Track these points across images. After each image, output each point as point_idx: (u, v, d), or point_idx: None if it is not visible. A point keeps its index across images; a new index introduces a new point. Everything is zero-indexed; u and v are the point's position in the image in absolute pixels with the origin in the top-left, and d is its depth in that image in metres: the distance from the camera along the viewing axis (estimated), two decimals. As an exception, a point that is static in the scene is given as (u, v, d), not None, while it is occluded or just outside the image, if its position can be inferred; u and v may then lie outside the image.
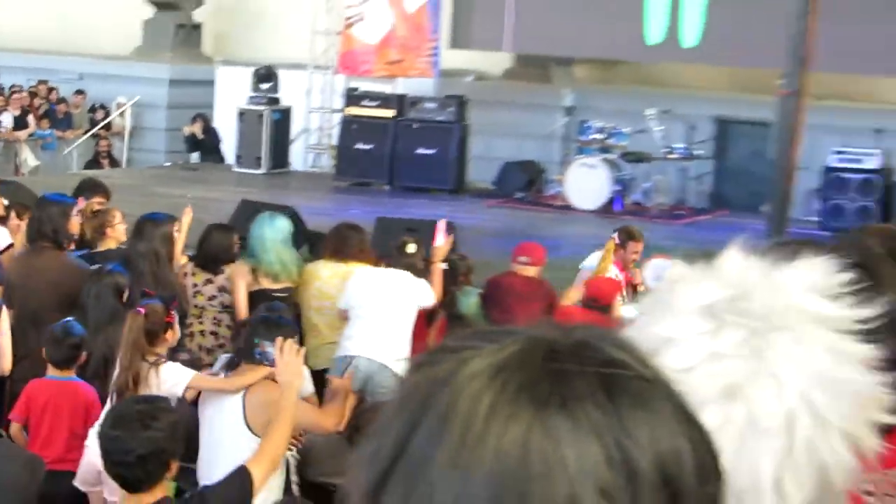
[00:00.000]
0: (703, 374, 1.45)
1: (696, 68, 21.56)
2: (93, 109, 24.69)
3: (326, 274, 9.82)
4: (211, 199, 12.77)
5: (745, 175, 19.62)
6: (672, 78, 21.97)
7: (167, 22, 25.25)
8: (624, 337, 1.16)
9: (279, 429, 5.42)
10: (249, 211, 11.73)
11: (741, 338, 1.47)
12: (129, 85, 24.38)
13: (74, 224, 8.91)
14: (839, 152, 17.56)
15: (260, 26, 24.79)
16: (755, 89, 18.97)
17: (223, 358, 7.97)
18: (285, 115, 21.44)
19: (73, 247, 9.07)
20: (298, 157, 22.22)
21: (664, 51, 20.56)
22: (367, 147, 20.19)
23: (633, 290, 10.47)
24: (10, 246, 9.34)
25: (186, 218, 10.37)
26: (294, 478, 6.99)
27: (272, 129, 21.01)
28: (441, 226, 10.17)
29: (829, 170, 17.51)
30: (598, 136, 18.91)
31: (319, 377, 8.24)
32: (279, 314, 7.71)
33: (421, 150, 19.88)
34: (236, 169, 21.02)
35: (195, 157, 23.00)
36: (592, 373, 1.06)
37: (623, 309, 9.38)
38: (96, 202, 10.51)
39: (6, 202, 10.07)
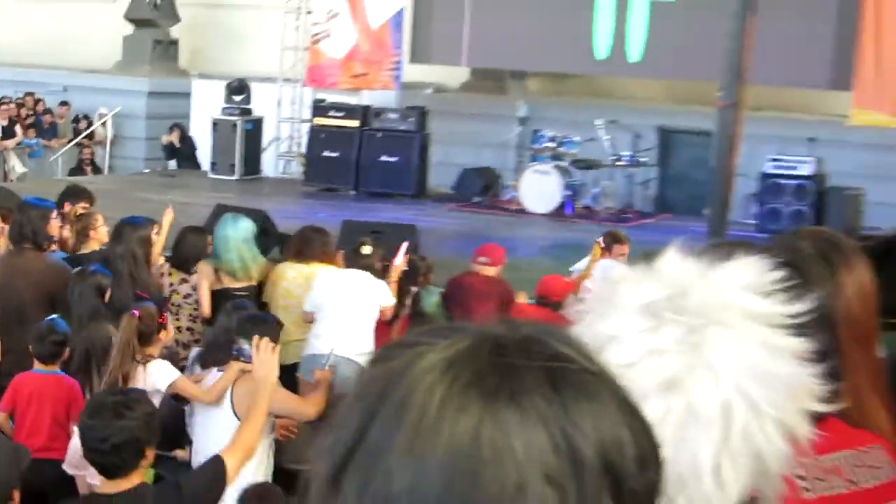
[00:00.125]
0: (645, 369, 1.45)
1: (641, 81, 21.63)
2: (76, 120, 24.61)
3: (292, 274, 9.80)
4: (187, 203, 12.74)
5: (687, 181, 19.68)
6: (619, 90, 22.02)
7: (146, 38, 25.18)
8: (569, 333, 1.16)
9: (253, 421, 5.40)
10: (223, 214, 11.69)
11: (679, 334, 1.47)
12: (111, 97, 24.32)
13: (53, 226, 8.86)
14: (775, 160, 17.62)
15: (233, 42, 24.77)
16: (696, 101, 19.05)
17: (195, 352, 7.97)
18: (257, 124, 21.39)
19: (54, 248, 9.01)
20: (270, 164, 22.15)
21: (611, 65, 20.60)
22: (333, 155, 20.17)
23: None
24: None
25: (167, 219, 10.35)
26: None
27: (245, 137, 20.97)
28: (403, 247, 10.16)
29: (766, 176, 17.57)
30: (550, 144, 18.93)
31: (287, 373, 8.21)
32: (264, 314, 7.79)
33: (384, 158, 19.86)
34: (211, 175, 20.95)
35: (173, 164, 22.97)
36: (539, 366, 1.06)
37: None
38: (81, 207, 10.48)
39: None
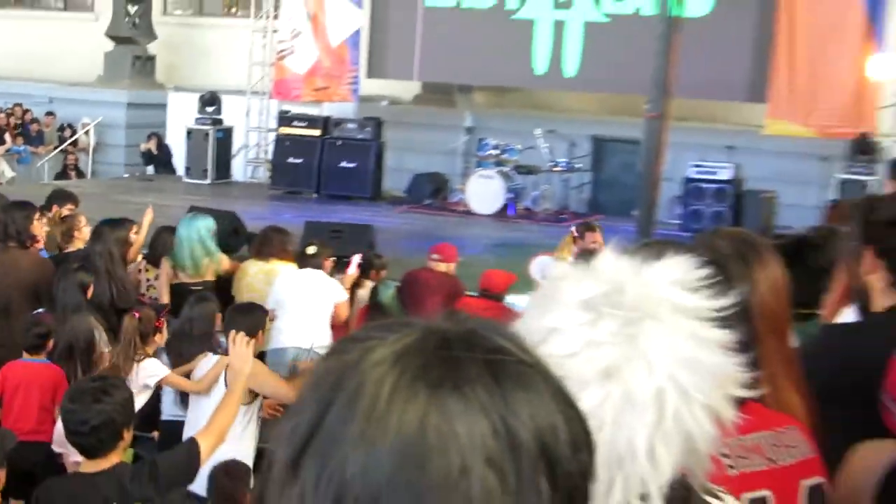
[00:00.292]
0: (584, 359, 1.45)
1: (576, 95, 21.67)
2: (62, 128, 24.47)
3: (254, 270, 9.77)
4: (163, 205, 12.65)
5: (618, 185, 19.74)
6: (556, 103, 22.05)
7: (125, 54, 25.03)
8: (508, 327, 1.16)
9: (227, 407, 5.37)
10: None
11: (616, 327, 1.47)
12: (93, 107, 24.20)
13: (37, 226, 8.80)
14: (697, 165, 17.68)
15: (205, 58, 24.67)
16: (625, 112, 19.11)
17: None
18: (227, 133, 21.30)
19: (40, 245, 8.94)
20: (239, 170, 22.07)
21: (549, 80, 20.64)
22: (297, 161, 20.12)
23: None
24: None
25: (147, 219, 10.30)
26: None
27: (216, 145, 20.89)
28: (355, 259, 10.14)
29: (689, 180, 17.62)
30: (493, 151, 18.93)
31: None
32: (251, 303, 7.84)
33: (344, 164, 19.82)
34: (185, 180, 20.85)
35: (150, 169, 22.86)
36: (480, 359, 1.06)
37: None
38: (67, 209, 10.44)
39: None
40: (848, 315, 3.29)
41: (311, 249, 9.48)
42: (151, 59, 25.48)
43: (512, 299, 9.66)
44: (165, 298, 9.45)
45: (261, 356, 7.76)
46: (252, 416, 6.98)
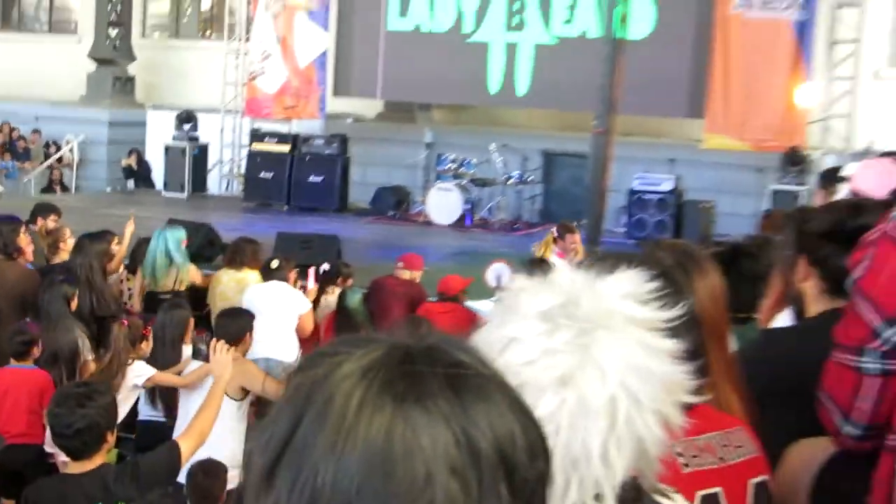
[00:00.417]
0: (541, 367, 1.44)
1: (528, 112, 21.72)
2: (47, 145, 24.31)
3: (226, 279, 9.70)
4: (143, 217, 12.54)
5: (568, 196, 19.75)
6: (509, 119, 22.09)
7: (107, 75, 24.87)
8: (467, 341, 1.16)
9: (208, 411, 5.33)
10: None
11: (571, 336, 1.46)
12: (77, 125, 24.02)
13: (23, 239, 8.71)
14: (640, 178, 17.74)
15: (182, 79, 24.54)
16: (574, 129, 19.14)
17: None
18: (203, 149, 21.27)
19: (28, 258, 8.84)
20: (214, 184, 22.02)
21: (502, 98, 20.68)
22: (268, 175, 20.06)
23: None
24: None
25: (129, 229, 10.23)
26: None
27: (192, 161, 20.86)
28: (311, 272, 10.09)
29: (633, 192, 17.68)
30: (451, 165, 18.94)
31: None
32: (238, 309, 7.94)
33: (312, 178, 19.78)
34: (164, 193, 20.79)
35: (131, 184, 22.73)
36: (442, 373, 1.06)
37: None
38: (51, 220, 10.38)
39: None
40: (783, 319, 3.29)
41: (274, 263, 9.44)
42: (131, 79, 25.34)
43: (469, 302, 9.69)
44: (137, 307, 9.40)
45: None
46: (244, 411, 7.10)
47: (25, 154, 24.07)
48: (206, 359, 6.46)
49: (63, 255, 9.36)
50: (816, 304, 2.98)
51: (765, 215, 9.71)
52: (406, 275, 10.37)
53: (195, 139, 20.96)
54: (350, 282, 10.19)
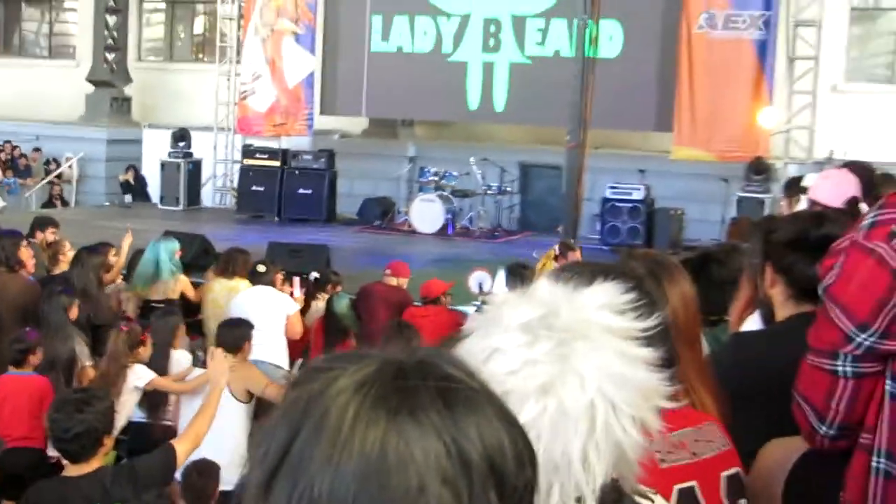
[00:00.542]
0: (523, 376, 1.43)
1: (505, 127, 21.73)
2: (48, 162, 24.24)
3: (218, 288, 9.66)
4: (140, 230, 12.49)
5: (544, 205, 19.78)
6: (488, 134, 22.10)
7: (105, 96, 24.85)
8: (456, 355, 1.15)
9: (204, 416, 5.30)
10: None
11: (551, 347, 1.45)
12: (76, 143, 23.98)
13: (24, 252, 8.67)
14: (613, 187, 17.74)
15: (176, 99, 24.53)
16: (549, 142, 19.16)
17: None
18: (197, 165, 21.25)
19: (30, 270, 8.79)
20: (208, 197, 22.00)
21: (481, 114, 20.71)
22: (260, 188, 20.06)
23: None
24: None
25: (126, 241, 10.19)
26: None
27: (187, 176, 20.85)
28: (296, 281, 10.03)
29: (606, 200, 17.68)
30: (434, 178, 18.95)
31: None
32: (238, 319, 7.90)
33: (301, 191, 19.78)
34: (160, 207, 20.75)
35: (128, 198, 22.64)
36: (433, 386, 1.05)
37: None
38: (50, 232, 10.35)
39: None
40: (752, 323, 3.30)
41: (261, 268, 9.41)
42: (128, 100, 25.30)
43: (454, 305, 9.72)
44: (131, 312, 9.37)
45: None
46: (250, 413, 7.15)
47: (27, 171, 24.01)
48: (205, 365, 6.45)
49: (63, 266, 9.33)
50: (783, 310, 3.01)
51: (732, 222, 9.74)
52: (393, 281, 10.39)
53: (189, 155, 20.97)
54: (339, 288, 10.17)
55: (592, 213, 17.63)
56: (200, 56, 26.25)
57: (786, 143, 18.71)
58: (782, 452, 2.53)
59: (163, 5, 26.84)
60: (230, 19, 22.29)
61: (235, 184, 21.20)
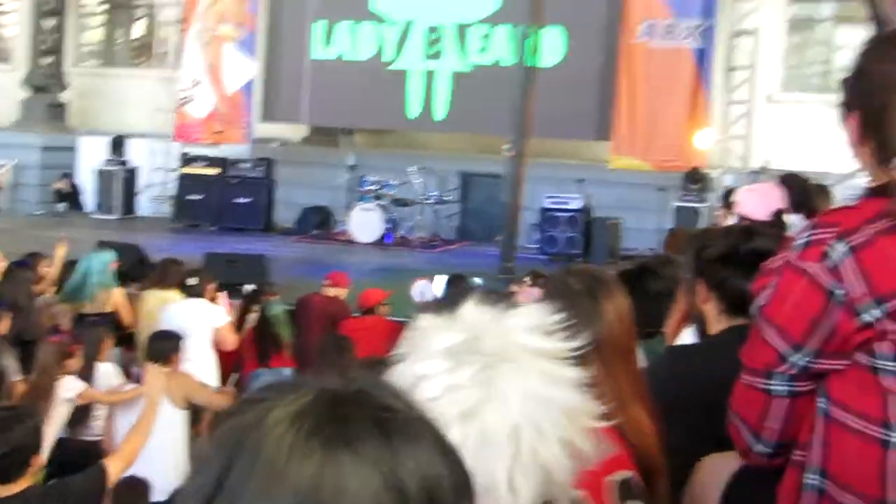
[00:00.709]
0: (446, 402, 1.43)
1: (445, 136, 21.73)
2: (-20, 170, 23.86)
3: (152, 299, 9.54)
4: (74, 240, 12.30)
5: (483, 214, 19.79)
6: (427, 143, 22.10)
7: (40, 102, 24.48)
8: (394, 384, 1.14)
9: (139, 433, 5.21)
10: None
11: (474, 372, 1.45)
12: (10, 150, 23.53)
13: None
14: (551, 197, 17.82)
15: (113, 105, 24.23)
16: (489, 151, 19.19)
17: None
18: (133, 173, 21.12)
19: None
20: (144, 206, 21.81)
21: (421, 123, 20.73)
22: (197, 197, 19.94)
23: None
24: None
25: (60, 251, 10.04)
26: None
27: (123, 184, 20.74)
28: (224, 296, 9.91)
29: (545, 210, 17.75)
30: (373, 187, 18.92)
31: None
32: (167, 331, 7.82)
33: (239, 199, 19.68)
34: (95, 215, 20.54)
35: (62, 206, 22.34)
36: (370, 416, 1.03)
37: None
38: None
39: None
40: (687, 336, 3.32)
41: (191, 281, 9.31)
42: (63, 105, 24.99)
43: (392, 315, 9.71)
44: (65, 324, 9.22)
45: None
46: (188, 420, 7.08)
47: (-40, 178, 23.62)
48: (139, 379, 6.38)
49: (-5, 279, 9.16)
50: (717, 324, 3.05)
51: (669, 233, 9.78)
52: (332, 292, 10.35)
53: (125, 163, 20.79)
54: (269, 296, 10.10)
55: (531, 222, 17.68)
56: (139, 61, 26.01)
57: (722, 152, 18.89)
58: (718, 467, 2.54)
59: (101, 9, 26.55)
60: (170, 24, 22.10)
61: (172, 192, 21.02)
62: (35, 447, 4.43)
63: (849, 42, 20.14)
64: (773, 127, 18.85)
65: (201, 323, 8.94)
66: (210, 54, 21.18)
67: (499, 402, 1.42)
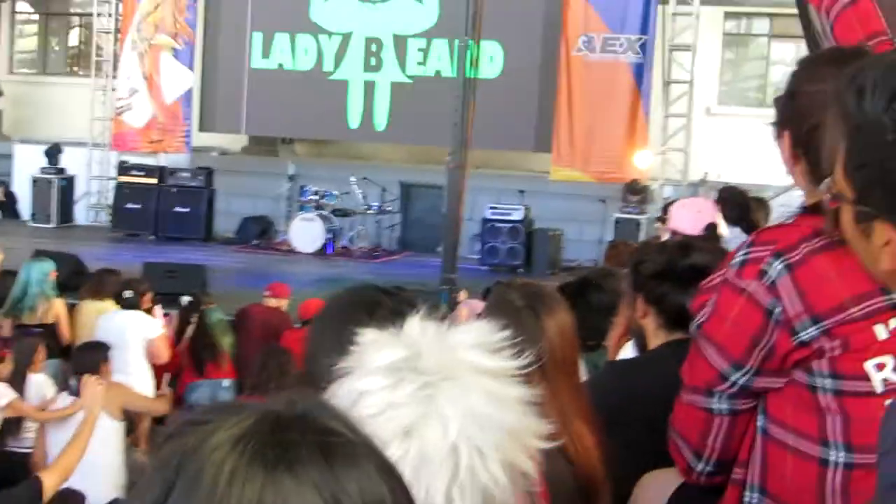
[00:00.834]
0: (385, 419, 1.41)
1: (386, 146, 21.72)
2: (-88, 178, 23.42)
3: (88, 310, 9.45)
4: (10, 248, 12.11)
5: (424, 225, 19.80)
6: (368, 153, 22.06)
7: (-26, 109, 24.18)
8: (337, 407, 1.11)
9: (75, 446, 5.14)
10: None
11: (414, 389, 1.43)
12: (-57, 158, 23.22)
13: None
14: (493, 207, 17.86)
15: (49, 113, 23.92)
16: (430, 162, 19.19)
17: None
18: (70, 181, 20.87)
19: None
20: (82, 214, 21.56)
21: (362, 133, 20.68)
22: (136, 206, 19.74)
23: None
24: None
25: None
26: None
27: (60, 192, 20.46)
28: (158, 309, 9.81)
29: (486, 220, 17.78)
30: (313, 197, 18.85)
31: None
32: (93, 342, 7.67)
33: (178, 209, 19.50)
34: (31, 224, 20.24)
35: (-3, 215, 22.06)
36: (312, 440, 1.01)
37: None
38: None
39: None
40: (628, 350, 3.33)
41: (127, 294, 9.21)
42: (-2, 113, 24.67)
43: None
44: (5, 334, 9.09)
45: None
46: (124, 430, 6.97)
47: None
48: (76, 392, 6.27)
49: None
50: (656, 338, 3.06)
51: (610, 246, 9.84)
52: (273, 302, 10.30)
53: (62, 171, 20.58)
54: (209, 304, 10.02)
55: (472, 233, 17.70)
56: (75, 69, 25.71)
57: (661, 164, 19.04)
58: (659, 484, 2.54)
59: (36, 17, 26.24)
60: (106, 32, 21.87)
61: (110, 201, 20.81)
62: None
63: (783, 57, 20.49)
64: (711, 140, 19.05)
65: (136, 334, 8.85)
66: (147, 64, 21.01)
67: (438, 421, 1.40)
